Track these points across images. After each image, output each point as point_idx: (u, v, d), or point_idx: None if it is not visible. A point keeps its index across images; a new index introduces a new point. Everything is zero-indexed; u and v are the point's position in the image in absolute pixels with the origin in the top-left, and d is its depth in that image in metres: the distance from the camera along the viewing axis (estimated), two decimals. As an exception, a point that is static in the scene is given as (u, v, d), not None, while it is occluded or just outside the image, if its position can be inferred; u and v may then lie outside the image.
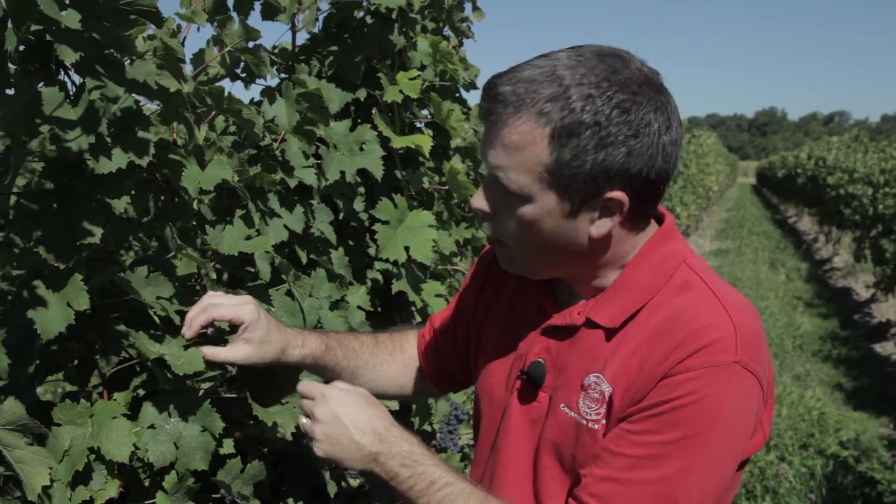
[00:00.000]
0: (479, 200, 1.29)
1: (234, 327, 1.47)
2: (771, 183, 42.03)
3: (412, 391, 1.75)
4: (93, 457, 1.35)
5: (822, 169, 20.51)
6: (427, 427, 2.81)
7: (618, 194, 1.21)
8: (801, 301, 12.71)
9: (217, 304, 1.44)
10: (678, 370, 1.19)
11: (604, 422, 1.27)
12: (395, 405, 2.23)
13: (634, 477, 1.20)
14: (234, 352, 1.46)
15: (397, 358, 1.73)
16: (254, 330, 1.46)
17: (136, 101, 1.36)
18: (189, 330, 1.42)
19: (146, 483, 1.50)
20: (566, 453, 1.31)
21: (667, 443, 1.19)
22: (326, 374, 1.62)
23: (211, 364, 1.46)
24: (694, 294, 1.26)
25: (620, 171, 1.19)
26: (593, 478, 1.24)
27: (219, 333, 1.49)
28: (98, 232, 1.31)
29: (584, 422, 1.28)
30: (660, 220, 1.37)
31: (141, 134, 1.34)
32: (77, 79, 1.33)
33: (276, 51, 2.10)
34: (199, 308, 1.44)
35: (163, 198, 1.62)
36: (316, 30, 2.15)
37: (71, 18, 1.22)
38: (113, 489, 1.38)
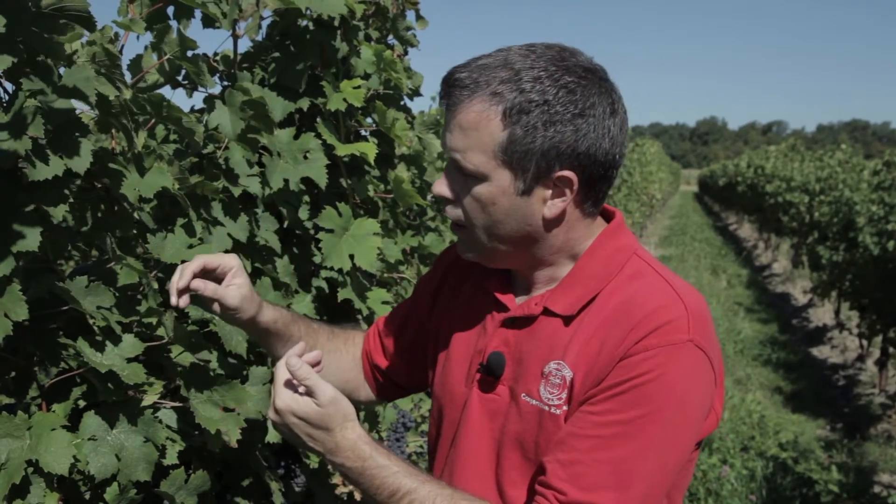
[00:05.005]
0: (440, 186, 1.36)
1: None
2: (712, 191, 42.86)
3: (354, 389, 1.73)
4: (31, 469, 1.32)
5: (761, 177, 21.00)
6: (374, 435, 2.81)
7: (567, 173, 1.29)
8: (742, 307, 12.98)
9: (199, 255, 1.45)
10: (635, 350, 1.26)
11: (565, 407, 1.32)
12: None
13: (598, 457, 1.25)
14: (229, 293, 1.45)
15: (350, 350, 1.73)
16: (239, 276, 1.47)
17: (74, 108, 1.34)
18: (182, 279, 1.40)
19: (87, 496, 1.47)
20: (529, 441, 1.35)
21: (628, 421, 1.25)
22: (288, 345, 1.57)
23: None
24: (645, 280, 1.35)
25: (569, 150, 1.27)
26: (558, 462, 1.28)
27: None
28: (35, 240, 1.29)
29: (547, 408, 1.33)
30: (608, 219, 1.46)
31: (80, 142, 1.32)
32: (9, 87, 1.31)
33: (218, 57, 2.08)
34: (181, 267, 1.43)
35: (102, 206, 1.60)
36: (259, 38, 2.14)
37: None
38: (52, 502, 1.35)
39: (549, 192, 1.31)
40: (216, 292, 1.44)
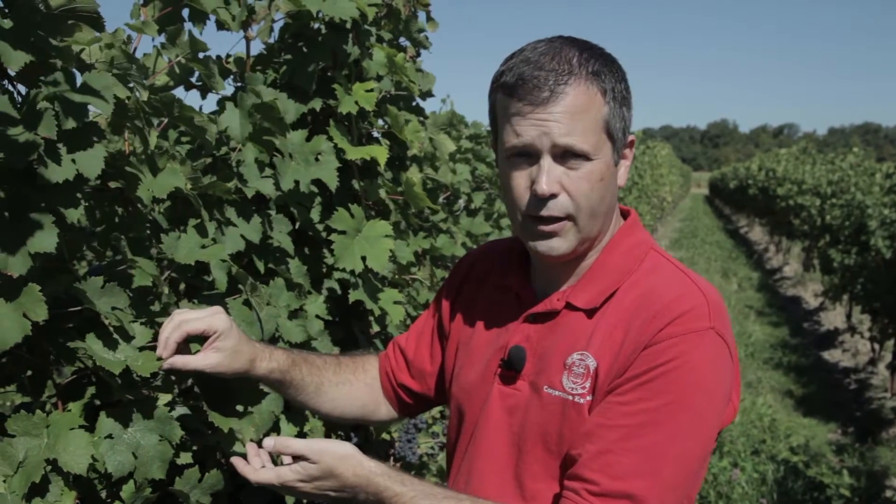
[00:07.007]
0: (547, 185, 1.33)
1: (204, 338, 1.47)
2: (723, 193, 42.70)
3: (372, 412, 1.76)
4: (49, 468, 1.33)
5: (773, 180, 20.91)
6: (386, 436, 2.82)
7: (632, 138, 1.43)
8: (753, 310, 12.92)
9: (189, 319, 1.45)
10: (659, 338, 1.29)
11: (589, 397, 1.34)
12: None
13: (628, 445, 1.27)
14: (204, 359, 1.46)
15: (360, 377, 1.74)
16: (226, 339, 1.47)
17: (88, 112, 1.34)
18: (165, 350, 1.42)
19: (103, 494, 1.48)
20: (552, 433, 1.37)
21: (656, 409, 1.27)
22: (290, 389, 1.62)
23: (178, 373, 1.45)
24: (664, 272, 1.40)
25: (630, 119, 1.41)
26: (589, 455, 1.30)
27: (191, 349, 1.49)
28: (52, 241, 1.29)
29: (570, 397, 1.35)
30: (624, 216, 1.51)
31: (94, 147, 1.32)
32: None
33: (231, 60, 2.10)
34: (172, 326, 1.43)
35: (118, 208, 1.61)
36: (271, 40, 2.16)
37: (7, 26, 1.20)
38: (69, 501, 1.36)
39: (622, 159, 1.42)
40: (186, 363, 1.45)
